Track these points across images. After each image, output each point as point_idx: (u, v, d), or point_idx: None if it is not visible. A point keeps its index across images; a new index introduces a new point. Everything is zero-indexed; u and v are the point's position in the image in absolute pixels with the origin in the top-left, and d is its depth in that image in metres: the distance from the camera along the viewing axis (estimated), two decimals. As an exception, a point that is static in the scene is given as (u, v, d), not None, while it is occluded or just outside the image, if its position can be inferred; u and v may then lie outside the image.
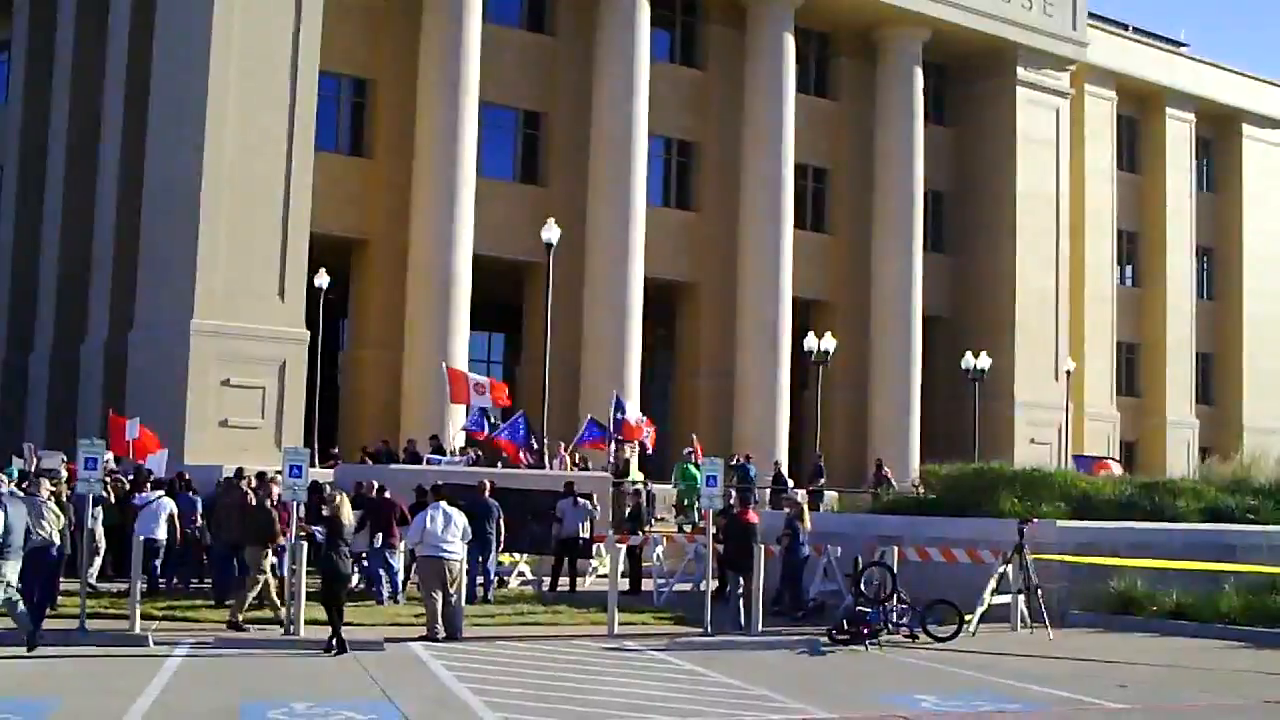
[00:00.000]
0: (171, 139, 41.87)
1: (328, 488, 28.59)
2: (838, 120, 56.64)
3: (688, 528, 34.50)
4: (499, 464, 34.98)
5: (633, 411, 39.54)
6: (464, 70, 44.82)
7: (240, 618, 22.07)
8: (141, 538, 22.18)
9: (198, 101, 40.37)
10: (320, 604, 20.25)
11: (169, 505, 26.78)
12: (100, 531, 25.83)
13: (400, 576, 25.79)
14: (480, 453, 36.40)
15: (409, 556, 24.88)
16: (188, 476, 29.34)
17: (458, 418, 39.57)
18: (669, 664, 19.62)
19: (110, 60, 46.82)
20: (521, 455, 35.90)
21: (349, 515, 20.67)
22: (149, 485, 28.20)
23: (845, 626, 21.95)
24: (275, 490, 23.23)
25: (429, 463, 34.12)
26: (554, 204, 45.98)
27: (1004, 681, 18.39)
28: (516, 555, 30.42)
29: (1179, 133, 66.20)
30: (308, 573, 21.50)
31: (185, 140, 40.92)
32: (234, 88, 40.42)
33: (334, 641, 19.32)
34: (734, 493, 29.44)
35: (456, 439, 39.04)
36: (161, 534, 26.08)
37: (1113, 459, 45.93)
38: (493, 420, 37.33)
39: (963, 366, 52.07)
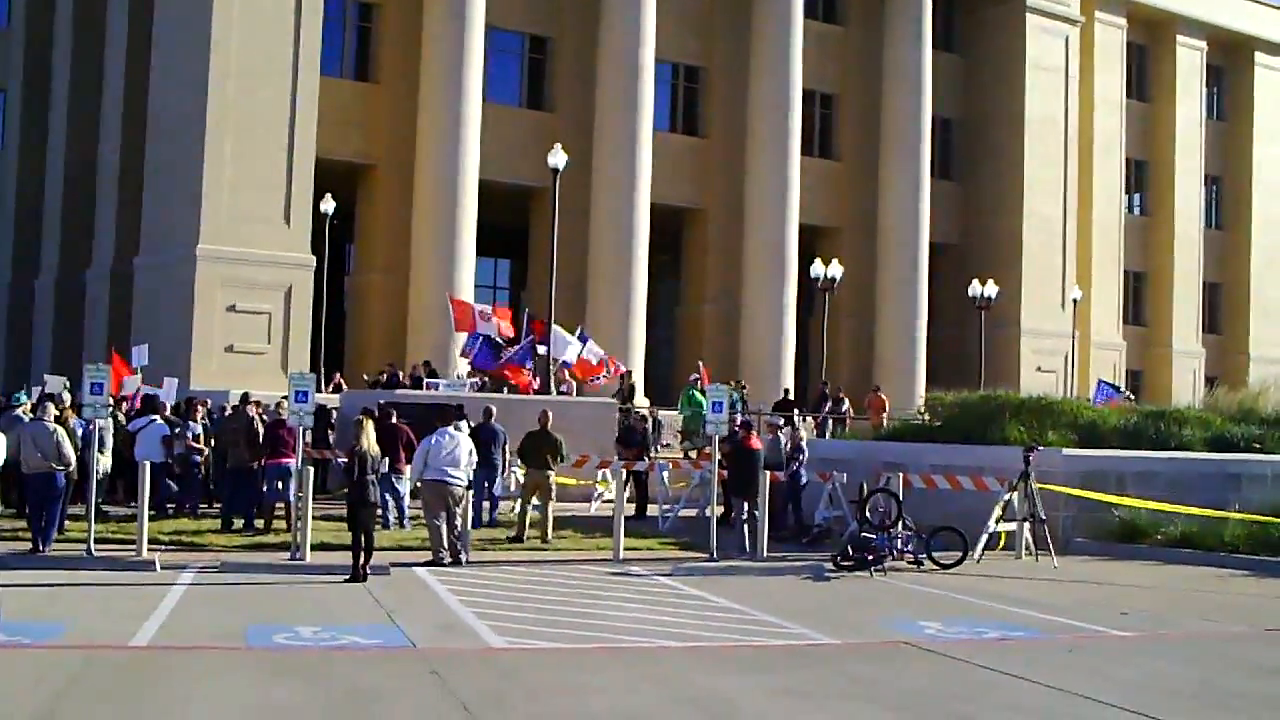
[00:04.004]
0: (176, 63, 41.68)
1: (334, 412, 28.71)
2: (846, 46, 56.26)
3: (693, 453, 34.50)
4: (504, 390, 34.97)
5: (593, 349, 38.72)
6: (470, -6, 44.52)
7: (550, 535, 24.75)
8: (147, 461, 22.14)
9: (202, 25, 40.12)
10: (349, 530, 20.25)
11: (163, 428, 26.71)
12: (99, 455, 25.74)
13: (406, 501, 25.84)
14: (486, 379, 36.37)
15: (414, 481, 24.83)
16: (199, 401, 29.24)
17: (463, 345, 39.51)
18: (674, 589, 19.68)
19: (114, -17, 46.58)
20: (527, 378, 35.84)
21: (374, 442, 20.63)
22: (159, 409, 28.07)
23: (850, 553, 21.98)
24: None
25: (429, 387, 34.08)
26: (560, 129, 45.74)
27: (1008, 609, 18.44)
28: (522, 480, 30.43)
29: (1190, 61, 65.77)
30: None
31: (190, 65, 40.71)
32: (238, 11, 40.16)
33: (355, 569, 19.33)
34: (739, 418, 29.40)
35: (461, 365, 38.99)
36: (159, 456, 26.06)
37: (1128, 396, 45.79)
38: (500, 350, 37.08)
39: (969, 294, 51.92)
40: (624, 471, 26.64)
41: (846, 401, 43.03)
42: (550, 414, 26.16)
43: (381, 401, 28.91)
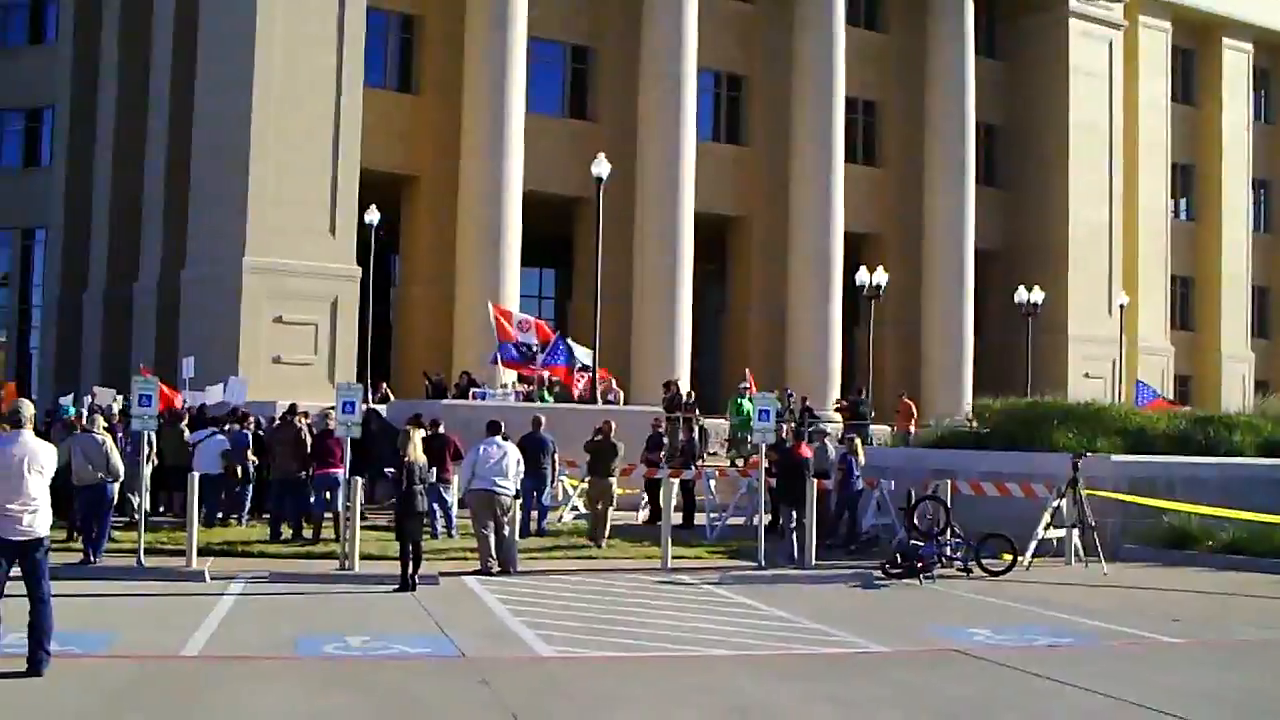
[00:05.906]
0: (220, 76, 41.87)
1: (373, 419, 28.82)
2: (888, 53, 56.17)
3: (740, 462, 34.43)
4: (551, 399, 34.95)
5: (583, 354, 37.99)
6: (512, 4, 44.58)
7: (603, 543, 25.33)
8: (198, 473, 22.28)
9: (246, 39, 40.34)
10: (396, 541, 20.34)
11: (222, 442, 26.97)
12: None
13: (455, 511, 25.92)
14: (531, 387, 36.38)
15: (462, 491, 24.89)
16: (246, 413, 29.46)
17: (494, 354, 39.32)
18: (722, 597, 19.65)
19: (159, -2, 46.85)
20: (574, 378, 35.74)
21: (421, 452, 20.67)
22: (224, 421, 28.32)
23: (899, 560, 21.92)
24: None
25: (475, 397, 34.11)
26: (603, 139, 45.79)
27: (1057, 615, 18.34)
28: (570, 489, 30.48)
29: (1236, 63, 65.34)
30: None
31: (234, 78, 40.90)
32: (282, 24, 40.36)
33: (404, 579, 19.37)
34: (786, 427, 29.33)
35: (505, 374, 38.93)
36: (217, 468, 26.30)
37: (1171, 401, 45.46)
38: (533, 353, 36.76)
39: (1015, 300, 51.69)
40: (671, 480, 26.65)
41: (871, 409, 41.97)
42: (614, 424, 27.05)
43: (370, 408, 29.25)
